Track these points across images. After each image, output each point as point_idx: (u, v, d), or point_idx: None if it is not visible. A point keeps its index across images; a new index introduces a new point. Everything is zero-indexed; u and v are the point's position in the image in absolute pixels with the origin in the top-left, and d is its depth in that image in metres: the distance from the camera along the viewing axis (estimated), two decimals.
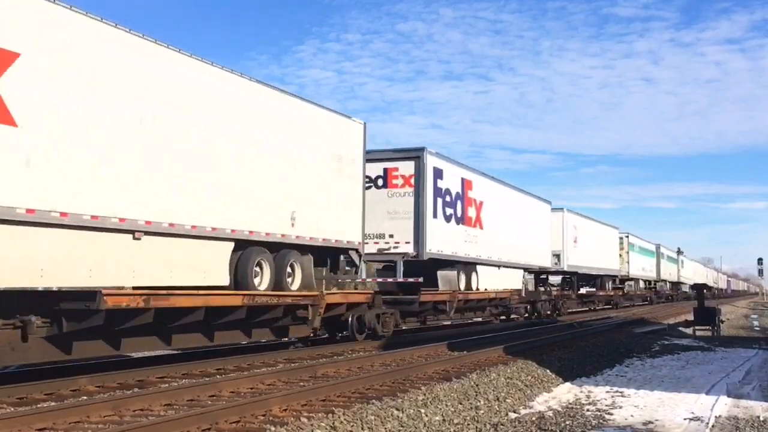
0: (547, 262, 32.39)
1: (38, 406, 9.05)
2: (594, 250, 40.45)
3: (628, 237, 50.37)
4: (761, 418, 9.35)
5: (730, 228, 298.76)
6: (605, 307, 44.97)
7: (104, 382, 10.81)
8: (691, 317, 25.15)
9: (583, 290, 41.53)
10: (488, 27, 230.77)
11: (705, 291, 28.42)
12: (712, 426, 8.99)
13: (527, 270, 30.43)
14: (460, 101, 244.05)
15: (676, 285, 71.22)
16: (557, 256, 34.51)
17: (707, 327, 24.02)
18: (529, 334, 21.14)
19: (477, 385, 11.12)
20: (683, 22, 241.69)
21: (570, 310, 37.14)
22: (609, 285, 45.20)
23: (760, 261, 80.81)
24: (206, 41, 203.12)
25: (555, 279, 39.00)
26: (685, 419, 9.39)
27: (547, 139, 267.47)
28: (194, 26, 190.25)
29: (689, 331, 24.26)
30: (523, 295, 29.40)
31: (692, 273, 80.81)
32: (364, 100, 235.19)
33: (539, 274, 35.06)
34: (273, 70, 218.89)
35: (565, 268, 35.72)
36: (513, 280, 28.14)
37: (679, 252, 73.58)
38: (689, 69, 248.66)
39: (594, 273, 41.20)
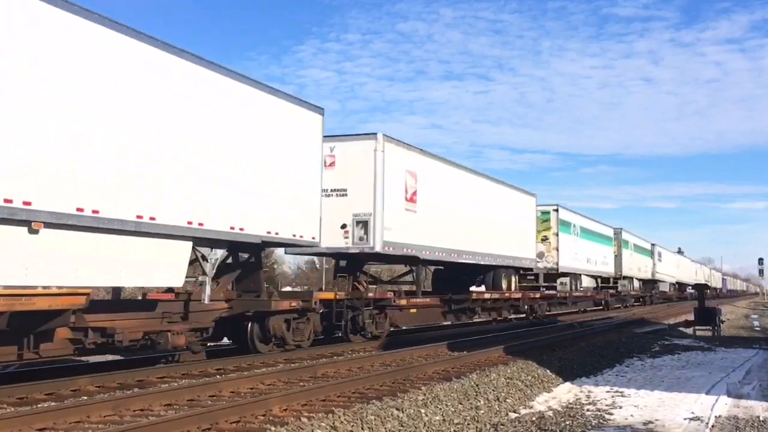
0: (309, 233, 15.78)
1: (38, 406, 9.06)
2: (472, 222, 23.61)
3: (557, 212, 32.95)
4: (761, 418, 9.36)
5: (730, 228, 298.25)
6: (518, 316, 29.02)
7: (104, 382, 10.81)
8: (691, 317, 25.23)
9: (478, 288, 25.68)
10: (488, 27, 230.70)
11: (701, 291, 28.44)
12: (712, 426, 9.00)
13: (230, 245, 14.15)
14: (460, 101, 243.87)
15: (650, 283, 56.04)
16: (363, 224, 18.22)
17: (707, 327, 24.06)
18: (529, 335, 21.21)
19: (477, 385, 11.12)
20: (683, 22, 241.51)
21: (387, 330, 19.02)
22: (512, 282, 27.96)
23: (760, 261, 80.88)
24: (206, 41, 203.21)
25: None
26: (685, 419, 9.39)
27: (547, 139, 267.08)
28: (194, 26, 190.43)
29: (689, 331, 24.30)
30: (205, 301, 13.34)
31: (674, 269, 66.69)
32: (364, 100, 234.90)
33: (356, 264, 20.39)
34: (273, 70, 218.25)
35: (378, 249, 18.20)
36: (139, 268, 11.76)
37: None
38: (689, 69, 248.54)
39: (467, 261, 23.54)
